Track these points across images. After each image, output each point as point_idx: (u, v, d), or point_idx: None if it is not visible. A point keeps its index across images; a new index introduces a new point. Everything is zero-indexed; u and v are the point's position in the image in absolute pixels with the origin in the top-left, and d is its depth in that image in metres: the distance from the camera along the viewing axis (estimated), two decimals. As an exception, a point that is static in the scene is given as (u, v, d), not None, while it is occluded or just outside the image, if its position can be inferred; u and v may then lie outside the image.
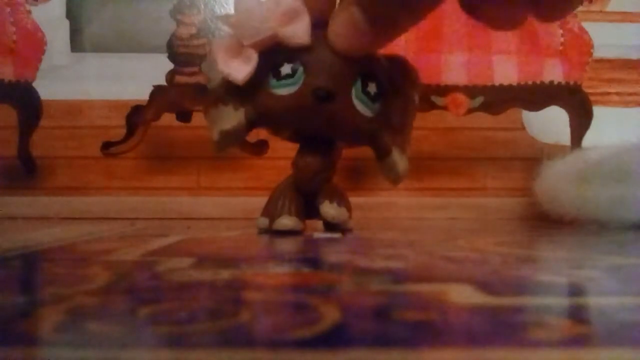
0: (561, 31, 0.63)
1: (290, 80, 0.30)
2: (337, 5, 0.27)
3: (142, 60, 0.64)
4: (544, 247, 0.35)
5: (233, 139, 0.32)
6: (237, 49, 0.30)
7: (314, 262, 0.24)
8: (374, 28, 0.24)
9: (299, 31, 0.29)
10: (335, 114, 0.31)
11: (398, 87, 0.32)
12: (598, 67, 0.65)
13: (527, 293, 0.18)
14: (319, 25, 0.28)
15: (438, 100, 0.64)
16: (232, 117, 0.32)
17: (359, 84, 0.31)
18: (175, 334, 0.12)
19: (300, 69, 0.30)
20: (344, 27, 0.26)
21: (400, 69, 0.33)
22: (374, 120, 0.32)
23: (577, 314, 0.15)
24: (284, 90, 0.30)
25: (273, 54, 0.30)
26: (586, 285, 0.19)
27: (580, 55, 0.64)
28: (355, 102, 0.31)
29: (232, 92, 0.31)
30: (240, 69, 0.30)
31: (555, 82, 0.64)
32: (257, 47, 0.30)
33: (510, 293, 0.17)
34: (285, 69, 0.30)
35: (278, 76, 0.30)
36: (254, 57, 0.30)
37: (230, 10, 0.63)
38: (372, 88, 0.31)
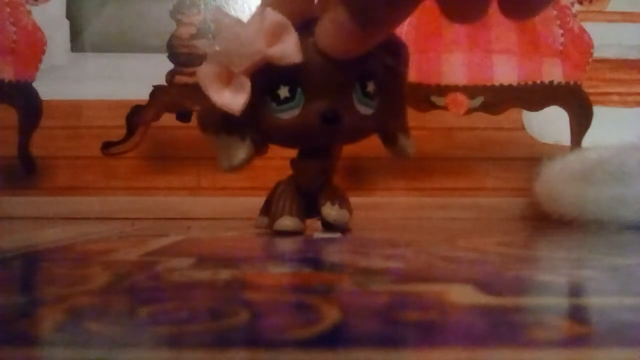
0: (561, 31, 0.63)
1: (291, 104, 0.29)
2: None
3: (142, 60, 0.64)
4: (544, 247, 0.35)
5: (244, 166, 0.32)
6: (227, 77, 0.28)
7: (314, 262, 0.24)
8: (361, 27, 0.24)
9: (289, 49, 0.27)
10: (342, 128, 0.30)
11: (393, 71, 0.32)
12: (598, 67, 0.65)
13: (527, 293, 0.18)
14: (303, 28, 0.27)
15: (438, 100, 0.64)
16: (240, 149, 0.31)
17: (358, 88, 0.30)
18: (175, 334, 0.12)
19: (299, 90, 0.29)
20: (332, 30, 0.25)
21: (391, 50, 0.31)
22: (376, 116, 0.32)
23: (577, 314, 0.15)
24: (287, 113, 0.30)
25: (266, 74, 0.28)
26: (586, 285, 0.19)
27: (580, 55, 0.64)
28: (358, 106, 0.31)
29: (232, 120, 0.30)
30: (234, 99, 0.28)
31: (555, 82, 0.64)
32: (247, 72, 0.28)
33: (510, 293, 0.17)
34: (283, 91, 0.29)
35: (277, 100, 0.30)
36: (246, 84, 0.28)
37: (231, 9, 0.63)
38: (371, 87, 0.31)
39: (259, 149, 0.32)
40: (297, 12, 0.27)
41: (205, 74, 0.28)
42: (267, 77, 0.29)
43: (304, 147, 0.34)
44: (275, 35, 0.27)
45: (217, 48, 0.28)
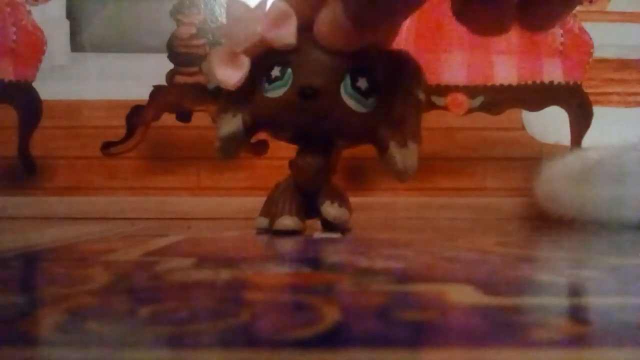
0: (561, 31, 0.64)
1: (280, 83, 0.31)
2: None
3: (142, 60, 0.64)
4: (544, 247, 0.35)
5: (233, 144, 0.33)
6: (231, 57, 0.31)
7: (314, 262, 0.24)
8: (356, 26, 0.24)
9: (286, 34, 0.29)
10: (323, 110, 0.31)
11: (397, 81, 0.32)
12: (598, 67, 0.65)
13: (527, 293, 0.18)
14: (308, 28, 0.28)
15: (438, 100, 0.64)
16: (230, 123, 0.33)
17: (348, 79, 0.30)
18: (175, 334, 0.12)
19: (289, 70, 0.30)
20: (327, 24, 0.26)
21: (399, 63, 0.32)
22: (369, 116, 0.31)
23: (577, 314, 0.15)
24: (275, 92, 0.31)
25: (266, 58, 0.30)
26: (586, 285, 0.19)
27: (580, 55, 0.64)
28: (345, 97, 0.31)
29: (231, 99, 0.32)
30: (231, 75, 0.30)
31: (555, 82, 0.64)
32: (248, 53, 0.30)
33: (510, 293, 0.17)
34: (275, 71, 0.31)
35: (269, 80, 0.31)
36: (245, 63, 0.30)
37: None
38: (362, 83, 0.31)
39: (250, 131, 0.33)
40: (303, 14, 0.28)
41: (213, 53, 0.31)
42: (266, 61, 0.31)
43: (289, 127, 0.33)
44: (277, 21, 0.29)
45: (224, 28, 0.31)
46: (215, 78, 0.31)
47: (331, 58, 0.30)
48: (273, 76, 0.31)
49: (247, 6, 0.30)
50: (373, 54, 0.31)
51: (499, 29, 0.19)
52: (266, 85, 0.31)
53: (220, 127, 0.33)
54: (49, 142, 0.64)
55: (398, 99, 0.32)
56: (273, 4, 0.29)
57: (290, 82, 0.30)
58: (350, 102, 0.31)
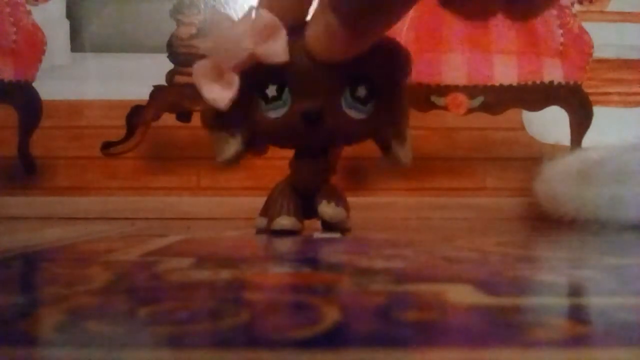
0: (561, 31, 0.64)
1: (278, 103, 0.30)
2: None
3: (142, 60, 0.64)
4: (544, 247, 0.35)
5: (235, 162, 0.33)
6: (218, 73, 0.29)
7: (314, 262, 0.24)
8: (350, 32, 0.24)
9: (277, 49, 0.28)
10: (328, 130, 0.30)
11: (389, 77, 0.31)
12: (598, 67, 0.65)
13: (527, 293, 0.18)
14: (296, 30, 0.27)
15: (438, 100, 0.64)
16: (230, 145, 0.32)
17: (347, 92, 0.30)
18: (175, 334, 0.12)
19: (286, 89, 0.30)
20: (320, 34, 0.25)
21: (388, 57, 0.31)
22: (369, 120, 0.31)
23: (577, 314, 0.15)
24: (274, 113, 0.30)
25: (256, 73, 0.29)
26: (586, 285, 0.19)
27: (580, 55, 0.64)
28: (346, 110, 0.30)
29: (225, 118, 0.31)
30: (222, 95, 0.29)
31: (555, 82, 0.64)
32: (237, 69, 0.29)
33: (510, 293, 0.17)
34: (271, 90, 0.30)
35: (266, 99, 0.30)
36: (235, 81, 0.29)
37: (230, 10, 0.63)
38: (361, 91, 0.30)
39: (250, 146, 0.33)
40: (289, 14, 0.27)
41: (198, 69, 0.29)
42: (257, 76, 0.29)
43: (293, 146, 0.34)
44: (264, 34, 0.28)
45: (210, 45, 0.29)
46: (204, 97, 0.29)
47: (328, 72, 0.29)
48: (270, 96, 0.30)
49: (232, 20, 0.29)
50: (366, 56, 0.30)
51: (483, 14, 0.19)
52: (263, 104, 0.30)
53: (220, 149, 0.32)
54: (49, 142, 0.64)
55: (393, 96, 0.32)
56: (258, 16, 0.27)
57: (289, 102, 0.30)
58: (351, 113, 0.31)
